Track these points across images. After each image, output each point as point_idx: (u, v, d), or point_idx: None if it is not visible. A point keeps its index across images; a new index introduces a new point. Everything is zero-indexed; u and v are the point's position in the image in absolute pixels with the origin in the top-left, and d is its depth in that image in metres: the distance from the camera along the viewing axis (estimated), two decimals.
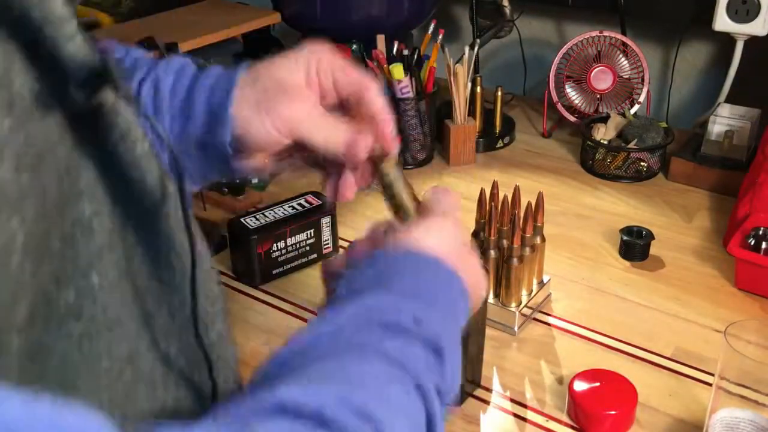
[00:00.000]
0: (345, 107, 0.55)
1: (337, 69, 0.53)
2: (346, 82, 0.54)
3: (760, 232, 0.87)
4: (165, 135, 0.38)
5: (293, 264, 0.91)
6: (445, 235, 0.48)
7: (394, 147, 0.54)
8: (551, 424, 0.69)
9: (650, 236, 0.92)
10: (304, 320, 0.83)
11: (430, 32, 1.20)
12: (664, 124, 1.15)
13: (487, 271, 0.54)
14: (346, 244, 0.95)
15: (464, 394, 0.71)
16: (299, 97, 0.52)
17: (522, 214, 0.78)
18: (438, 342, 0.41)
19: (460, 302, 0.46)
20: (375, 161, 0.54)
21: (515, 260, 0.78)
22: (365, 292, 0.42)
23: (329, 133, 0.52)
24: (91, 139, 0.33)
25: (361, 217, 1.02)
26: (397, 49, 1.15)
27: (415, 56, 1.15)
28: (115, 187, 0.33)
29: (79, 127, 0.32)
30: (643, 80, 1.21)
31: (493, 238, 0.79)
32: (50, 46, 0.30)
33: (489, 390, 0.73)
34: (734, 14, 1.09)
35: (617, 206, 1.05)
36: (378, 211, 1.04)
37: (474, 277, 0.49)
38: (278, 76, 0.53)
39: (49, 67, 0.30)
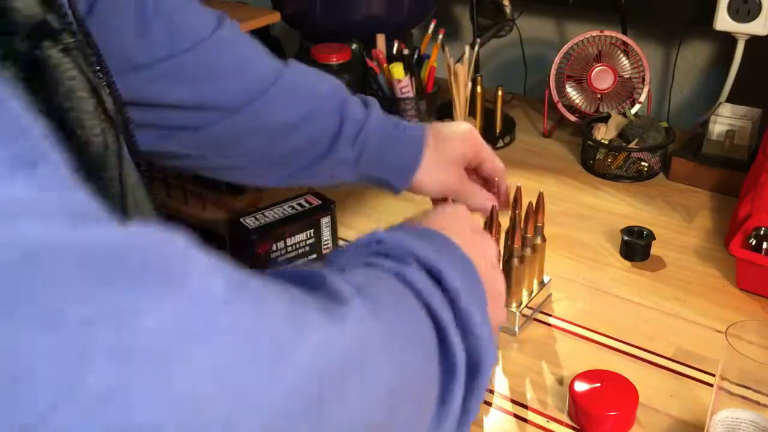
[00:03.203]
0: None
1: (485, 153, 0.76)
2: (490, 169, 0.76)
3: (762, 232, 0.87)
4: (109, 99, 0.41)
5: (293, 264, 0.91)
6: (456, 221, 0.54)
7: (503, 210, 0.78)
8: (552, 425, 0.69)
9: (651, 236, 0.92)
10: None
11: (430, 32, 1.19)
12: (664, 124, 1.15)
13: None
14: (345, 245, 0.94)
15: None
16: (457, 168, 0.74)
17: (523, 214, 0.78)
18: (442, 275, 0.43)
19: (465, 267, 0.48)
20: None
21: (516, 260, 0.78)
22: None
23: (478, 200, 0.75)
24: (40, 94, 0.35)
25: (361, 217, 1.01)
26: (397, 49, 1.15)
27: (415, 56, 1.15)
28: (62, 143, 0.34)
29: (30, 81, 0.35)
30: (643, 80, 1.21)
31: (494, 238, 0.79)
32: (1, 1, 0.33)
33: (490, 391, 0.73)
34: (735, 14, 1.09)
35: (618, 206, 1.05)
36: (377, 210, 1.04)
37: (489, 274, 0.51)
38: (451, 149, 0.74)
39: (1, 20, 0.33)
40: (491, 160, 0.76)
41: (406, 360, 0.36)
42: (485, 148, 0.76)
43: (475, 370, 0.41)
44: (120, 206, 0.41)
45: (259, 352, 0.26)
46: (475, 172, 0.77)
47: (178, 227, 0.27)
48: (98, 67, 0.44)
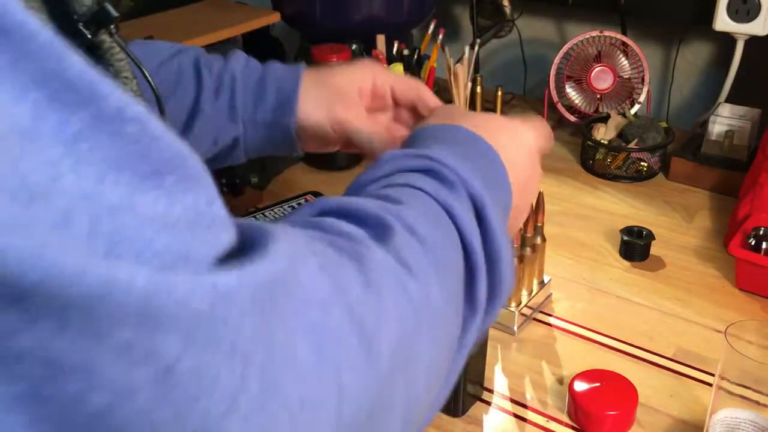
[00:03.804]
0: (399, 118, 0.70)
1: (394, 81, 0.68)
2: (404, 89, 0.68)
3: (761, 232, 0.87)
4: (151, 78, 0.47)
5: None
6: (489, 121, 0.54)
7: None
8: (552, 425, 0.69)
9: (651, 236, 0.92)
10: None
11: (430, 32, 1.19)
12: (664, 124, 1.15)
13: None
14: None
15: (470, 398, 0.70)
16: (354, 104, 0.66)
17: None
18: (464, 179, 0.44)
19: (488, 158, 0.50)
20: None
21: (515, 260, 0.78)
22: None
23: (374, 136, 0.65)
24: None
25: None
26: (397, 49, 1.15)
27: (415, 56, 1.15)
28: None
29: None
30: (643, 80, 1.21)
31: None
32: None
33: (489, 390, 0.73)
34: (734, 14, 1.09)
35: (618, 206, 1.05)
36: None
37: (516, 158, 0.53)
38: (338, 84, 0.66)
39: (59, 8, 0.36)
40: (398, 83, 0.68)
41: (452, 321, 0.40)
42: (383, 74, 0.68)
43: (492, 302, 0.44)
44: None
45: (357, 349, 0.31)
46: (397, 108, 0.70)
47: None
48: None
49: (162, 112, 0.50)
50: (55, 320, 0.21)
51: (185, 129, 0.67)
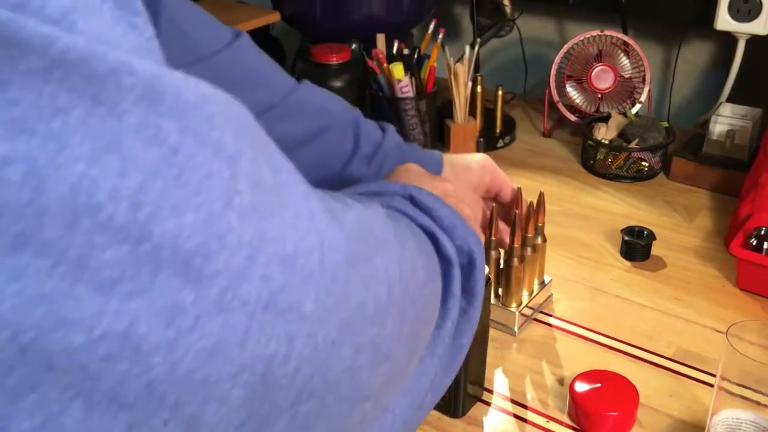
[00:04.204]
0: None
1: (503, 182, 0.76)
2: (507, 191, 0.77)
3: (762, 232, 0.86)
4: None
5: None
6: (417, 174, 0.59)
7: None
8: (552, 425, 0.69)
9: (651, 236, 0.92)
10: None
11: (430, 31, 1.19)
12: (665, 124, 1.15)
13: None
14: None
15: (470, 398, 0.70)
16: (476, 197, 0.76)
17: (523, 215, 0.78)
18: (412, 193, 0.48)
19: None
20: None
21: (516, 260, 0.78)
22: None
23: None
24: None
25: None
26: (397, 49, 1.14)
27: (416, 56, 1.14)
28: None
29: None
30: (644, 79, 1.21)
31: (494, 238, 0.79)
32: None
33: (489, 391, 0.73)
34: (735, 13, 1.09)
35: (618, 206, 1.05)
36: None
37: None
38: (470, 178, 0.74)
39: None
40: (508, 186, 0.77)
41: (410, 257, 0.41)
42: (502, 175, 0.77)
43: (470, 263, 0.46)
44: None
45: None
46: (494, 200, 0.78)
47: None
48: None
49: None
50: None
51: (328, 182, 0.71)
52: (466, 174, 0.75)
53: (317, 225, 0.30)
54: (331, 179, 0.71)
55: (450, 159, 0.76)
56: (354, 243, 0.32)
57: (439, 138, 1.19)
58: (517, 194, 0.77)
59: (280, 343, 0.27)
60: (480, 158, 0.76)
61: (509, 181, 0.77)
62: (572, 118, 1.24)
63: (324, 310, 0.29)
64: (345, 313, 0.31)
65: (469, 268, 0.45)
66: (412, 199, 0.46)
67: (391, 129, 0.75)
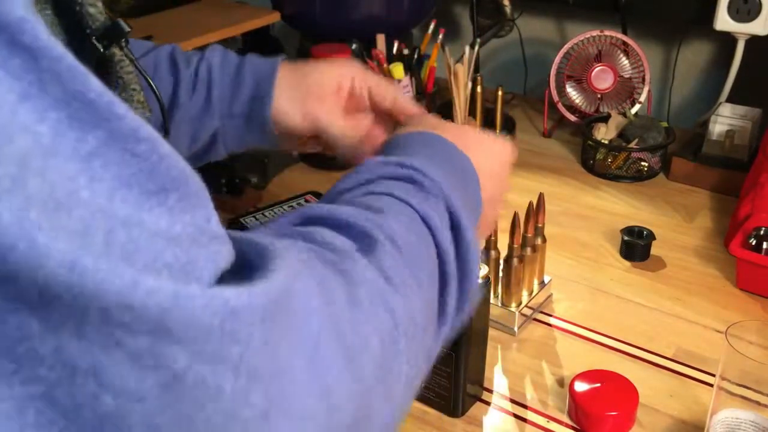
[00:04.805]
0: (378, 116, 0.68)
1: (372, 83, 0.67)
2: (381, 93, 0.67)
3: (762, 232, 0.86)
4: (158, 90, 0.48)
5: None
6: (462, 131, 0.55)
7: None
8: (552, 425, 0.69)
9: (651, 236, 0.92)
10: None
11: (430, 32, 1.19)
12: (665, 124, 1.15)
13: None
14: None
15: (470, 398, 0.70)
16: (328, 100, 0.65)
17: (523, 215, 0.78)
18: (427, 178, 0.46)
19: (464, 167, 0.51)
20: None
21: (516, 260, 0.78)
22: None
23: (345, 133, 0.66)
24: None
25: None
26: (397, 49, 1.14)
27: (415, 56, 1.15)
28: None
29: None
30: (644, 80, 1.21)
31: (493, 238, 0.79)
32: (78, 5, 0.38)
33: (489, 390, 0.73)
34: (735, 13, 1.09)
35: (618, 206, 1.05)
36: None
37: (489, 161, 0.54)
38: (314, 79, 0.66)
39: (72, 23, 0.37)
40: (376, 86, 0.67)
41: (425, 300, 0.41)
42: (362, 75, 0.67)
43: (464, 280, 0.45)
44: None
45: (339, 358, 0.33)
46: (374, 111, 0.68)
47: None
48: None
49: (166, 121, 0.51)
50: (75, 326, 0.22)
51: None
52: (313, 71, 0.66)
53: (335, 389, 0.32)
54: (170, 114, 0.66)
55: (298, 66, 0.68)
56: (368, 385, 0.34)
57: None
58: (394, 92, 0.67)
59: None
60: (328, 65, 0.68)
61: (381, 80, 0.68)
62: (572, 118, 1.24)
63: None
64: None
65: (461, 284, 0.45)
66: (458, 226, 0.45)
67: (213, 47, 0.69)
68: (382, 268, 0.38)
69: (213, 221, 0.28)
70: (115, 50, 0.41)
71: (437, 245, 0.43)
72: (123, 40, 0.41)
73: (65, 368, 0.23)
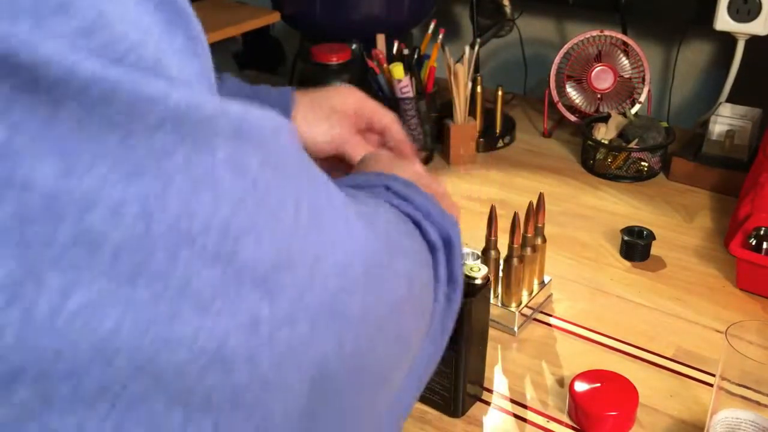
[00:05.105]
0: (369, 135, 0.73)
1: (375, 107, 0.72)
2: (380, 118, 0.71)
3: (762, 232, 0.87)
4: None
5: None
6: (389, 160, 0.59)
7: None
8: (552, 425, 0.69)
9: (651, 236, 0.92)
10: None
11: (430, 32, 1.19)
12: (665, 124, 1.15)
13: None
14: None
15: (470, 398, 0.70)
16: (346, 123, 0.70)
17: (523, 215, 0.78)
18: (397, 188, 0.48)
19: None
20: None
21: (516, 260, 0.78)
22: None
23: (363, 153, 0.67)
24: None
25: None
26: (397, 49, 1.14)
27: (415, 56, 1.14)
28: None
29: None
30: (644, 80, 1.21)
31: (493, 238, 0.79)
32: None
33: (489, 390, 0.73)
34: (735, 14, 1.09)
35: (618, 206, 1.05)
36: None
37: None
38: (332, 103, 0.70)
39: None
40: (379, 110, 0.72)
41: (412, 251, 0.43)
42: (370, 100, 0.72)
43: (448, 242, 0.47)
44: None
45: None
46: (369, 132, 0.73)
47: None
48: None
49: None
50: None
51: None
52: (326, 96, 0.71)
53: (359, 234, 0.34)
54: None
55: (306, 90, 0.72)
56: (386, 246, 0.37)
57: (439, 138, 1.19)
58: (391, 122, 0.72)
59: (334, 342, 0.31)
60: (341, 85, 0.74)
61: (380, 107, 0.72)
62: (572, 118, 1.24)
63: (366, 310, 0.34)
64: (380, 311, 0.35)
65: (448, 251, 0.47)
66: (388, 189, 0.48)
67: (228, 77, 0.71)
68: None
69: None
70: None
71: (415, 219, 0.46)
72: None
73: None
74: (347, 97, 0.71)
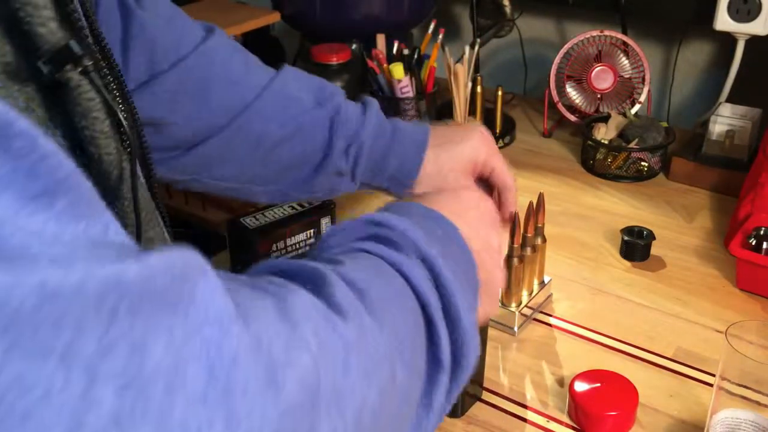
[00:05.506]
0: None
1: (497, 163, 0.71)
2: (500, 176, 0.71)
3: (762, 232, 0.87)
4: (127, 125, 0.42)
5: None
6: (467, 205, 0.54)
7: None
8: (552, 425, 0.69)
9: (651, 236, 0.92)
10: None
11: (430, 32, 1.19)
12: (665, 124, 1.15)
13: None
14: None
15: (470, 398, 0.70)
16: (467, 174, 0.70)
17: (523, 215, 0.78)
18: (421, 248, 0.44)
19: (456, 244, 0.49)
20: None
21: (516, 260, 0.78)
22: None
23: None
24: (59, 112, 0.37)
25: None
26: (397, 49, 1.14)
27: (415, 56, 1.15)
28: (78, 163, 0.35)
29: (51, 101, 0.36)
30: (644, 80, 1.21)
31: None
32: (25, 25, 0.34)
33: (489, 390, 0.73)
34: (735, 14, 1.09)
35: (618, 206, 1.05)
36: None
37: (485, 255, 0.52)
38: (455, 159, 0.70)
39: (22, 43, 0.34)
40: (502, 170, 0.71)
41: (397, 365, 0.38)
42: (498, 156, 0.71)
43: (458, 366, 0.43)
44: (133, 221, 0.41)
45: (257, 374, 0.28)
46: (485, 182, 0.73)
47: (185, 245, 0.28)
48: (116, 88, 0.44)
49: (144, 153, 0.48)
50: None
51: (307, 178, 0.71)
52: (456, 152, 0.70)
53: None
54: (308, 179, 0.70)
55: (442, 133, 0.71)
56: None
57: None
58: (508, 187, 0.71)
59: None
60: (476, 134, 0.71)
61: (505, 167, 0.71)
62: (572, 118, 1.24)
63: None
64: None
65: (454, 373, 0.43)
66: (435, 272, 0.43)
67: (371, 109, 0.71)
68: (330, 300, 0.35)
69: (111, 230, 0.25)
70: (72, 75, 0.36)
71: (415, 291, 0.41)
72: (89, 63, 0.37)
73: None
74: (478, 152, 0.70)
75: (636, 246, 0.92)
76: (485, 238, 0.53)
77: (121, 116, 0.41)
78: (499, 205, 0.72)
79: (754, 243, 0.86)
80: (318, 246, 0.46)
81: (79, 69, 0.36)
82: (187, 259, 0.27)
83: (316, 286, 0.36)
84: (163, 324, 0.25)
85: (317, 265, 0.38)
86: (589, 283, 0.88)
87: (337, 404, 0.32)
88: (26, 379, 0.21)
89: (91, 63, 0.37)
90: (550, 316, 0.83)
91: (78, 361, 0.22)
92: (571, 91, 1.24)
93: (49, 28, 0.35)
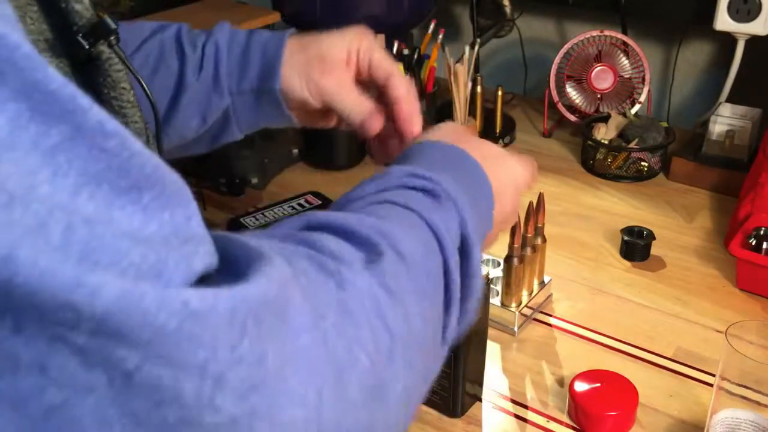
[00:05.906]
0: (378, 91, 0.64)
1: (375, 53, 0.63)
2: (379, 65, 0.63)
3: (762, 232, 0.87)
4: (149, 90, 0.47)
5: None
6: (472, 141, 0.56)
7: (410, 130, 0.63)
8: (552, 425, 0.69)
9: (651, 236, 0.92)
10: None
11: (430, 32, 1.19)
12: (665, 124, 1.15)
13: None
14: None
15: (470, 398, 0.70)
16: (336, 71, 0.62)
17: (523, 215, 0.78)
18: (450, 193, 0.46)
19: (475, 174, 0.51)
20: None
21: (515, 260, 0.78)
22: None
23: (353, 106, 0.62)
24: (88, 85, 0.40)
25: None
26: (397, 49, 1.15)
27: (415, 56, 1.15)
28: None
29: (79, 75, 0.39)
30: (644, 80, 1.21)
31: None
32: (63, 2, 0.38)
33: (489, 390, 0.73)
34: (735, 14, 1.09)
35: (618, 206, 1.05)
36: None
37: (502, 173, 0.54)
38: (322, 50, 0.63)
39: (59, 20, 0.37)
40: (382, 58, 0.63)
41: (426, 315, 0.40)
42: (377, 48, 0.63)
43: (465, 300, 0.45)
44: None
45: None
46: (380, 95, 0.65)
47: None
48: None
49: (158, 122, 0.51)
50: (12, 319, 0.22)
51: (172, 106, 0.65)
52: (322, 41, 0.63)
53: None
54: (175, 102, 0.65)
55: (309, 35, 0.64)
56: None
57: None
58: (398, 74, 0.63)
59: None
60: (352, 29, 0.65)
61: (387, 56, 0.64)
62: (572, 118, 1.24)
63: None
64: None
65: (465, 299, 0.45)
66: (467, 247, 0.45)
67: (221, 24, 0.67)
68: (383, 280, 0.37)
69: (194, 221, 0.27)
70: (103, 48, 0.40)
71: (444, 260, 0.43)
72: (113, 37, 0.40)
73: (8, 360, 0.22)
74: (334, 45, 0.62)
75: (636, 246, 0.92)
76: (505, 207, 0.54)
77: (144, 85, 0.45)
78: (396, 113, 0.63)
79: (754, 243, 0.86)
80: (361, 187, 0.47)
81: (111, 42, 0.40)
82: (281, 264, 0.30)
83: (369, 257, 0.38)
84: (274, 338, 0.28)
85: (368, 231, 0.39)
86: (589, 283, 0.88)
87: (382, 394, 0.36)
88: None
89: (115, 36, 0.40)
90: (550, 316, 0.83)
91: (209, 373, 0.26)
92: (571, 91, 1.24)
93: (84, 4, 0.39)
